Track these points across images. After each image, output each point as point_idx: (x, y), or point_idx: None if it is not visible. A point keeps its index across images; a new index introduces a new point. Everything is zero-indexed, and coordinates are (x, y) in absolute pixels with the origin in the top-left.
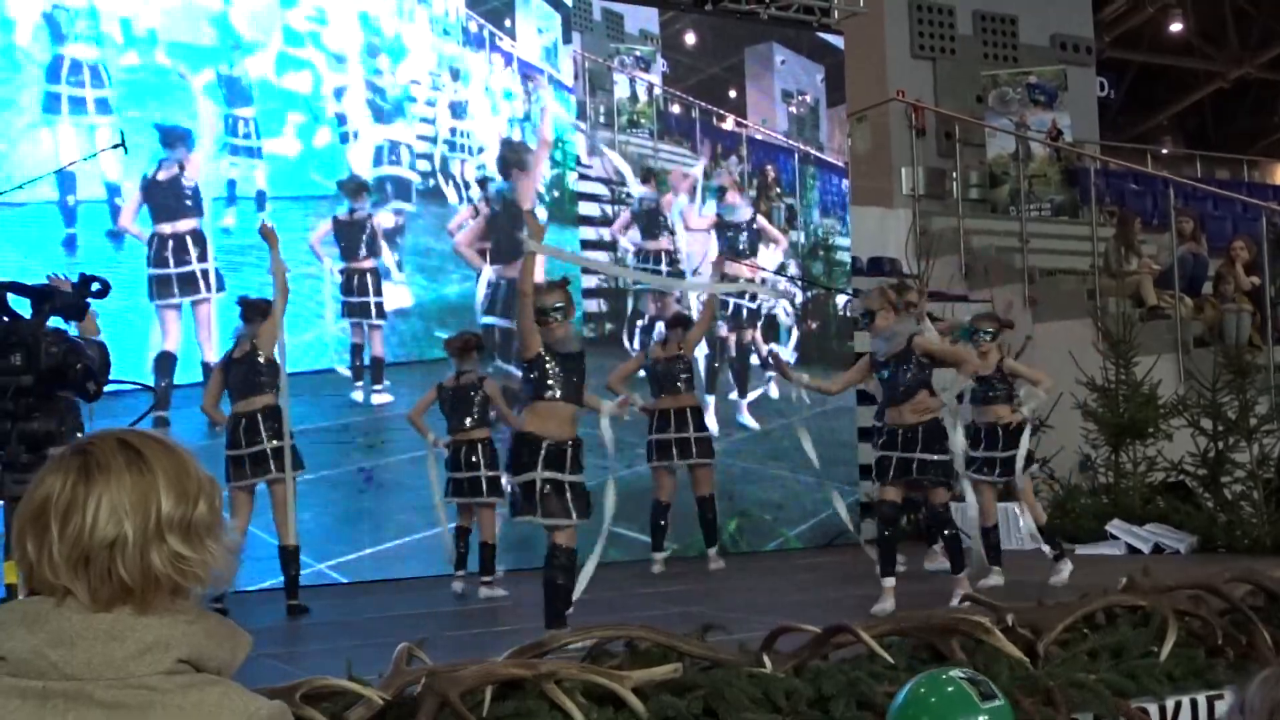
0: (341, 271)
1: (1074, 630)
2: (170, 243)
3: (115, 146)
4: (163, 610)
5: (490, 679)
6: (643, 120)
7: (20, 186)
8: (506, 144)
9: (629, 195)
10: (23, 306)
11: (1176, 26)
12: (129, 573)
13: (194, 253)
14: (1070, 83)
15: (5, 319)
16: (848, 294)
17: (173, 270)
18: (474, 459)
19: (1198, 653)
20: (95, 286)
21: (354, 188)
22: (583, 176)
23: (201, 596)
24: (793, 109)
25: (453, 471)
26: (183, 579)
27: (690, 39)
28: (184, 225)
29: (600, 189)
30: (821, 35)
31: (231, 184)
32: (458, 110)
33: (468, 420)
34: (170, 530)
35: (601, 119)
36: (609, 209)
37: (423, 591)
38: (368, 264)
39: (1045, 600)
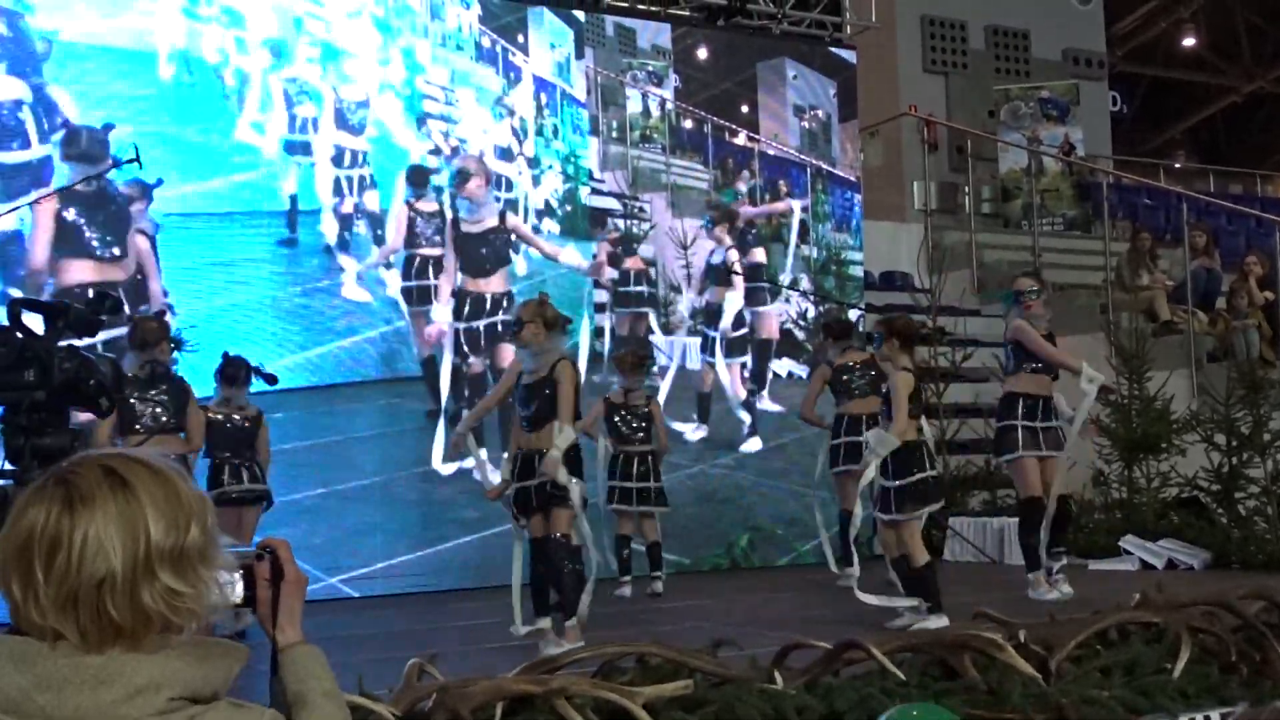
0: (405, 259)
1: (1086, 647)
2: None
3: (129, 161)
4: (155, 647)
5: (501, 694)
6: (655, 135)
7: (36, 201)
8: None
9: (641, 209)
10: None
11: (1189, 41)
12: (119, 612)
13: None
14: (1082, 97)
15: (19, 335)
16: (860, 309)
17: None
18: (643, 470)
19: (1211, 669)
20: (108, 303)
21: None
22: (595, 191)
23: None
24: (805, 124)
25: (621, 481)
26: (175, 616)
27: (702, 54)
28: None
29: (613, 203)
30: (834, 50)
31: None
32: (468, 125)
33: (639, 434)
34: (162, 562)
35: (614, 134)
36: (621, 223)
37: (435, 606)
38: (433, 251)
39: (1058, 616)
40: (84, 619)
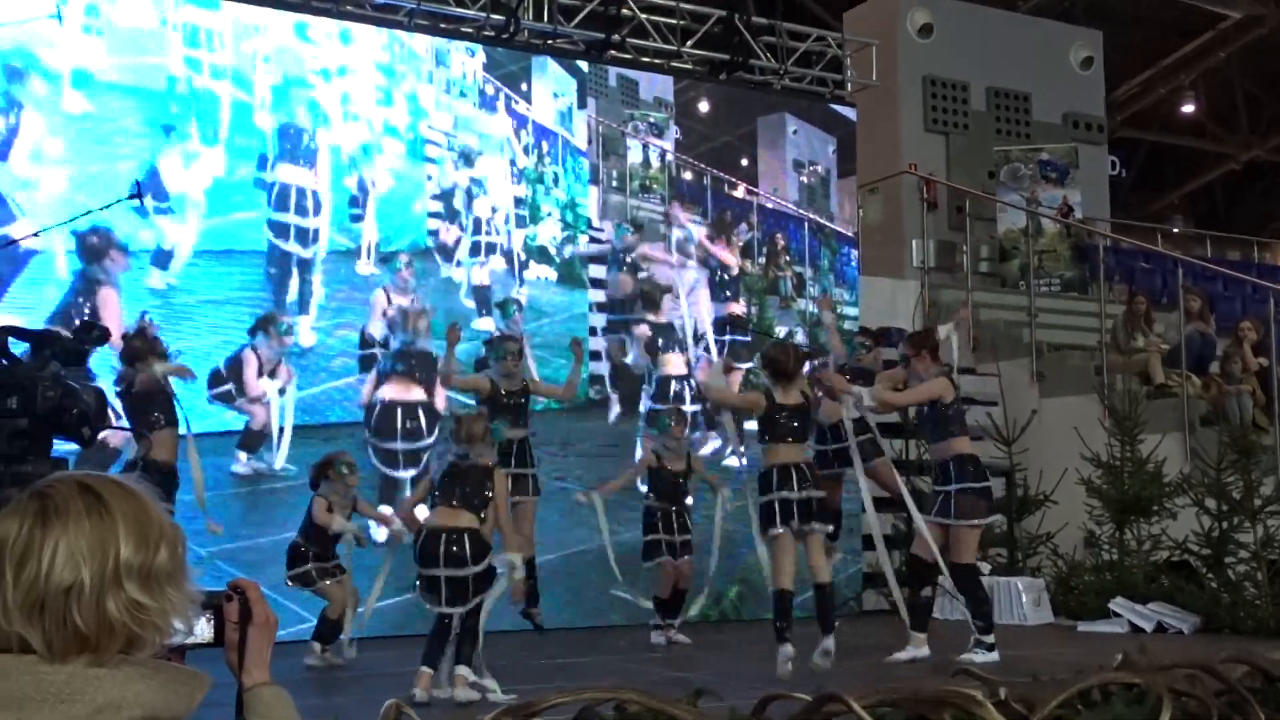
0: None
1: (1068, 706)
2: None
3: (131, 197)
4: (119, 663)
5: None
6: (655, 185)
7: (36, 234)
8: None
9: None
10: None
11: (1188, 108)
12: (85, 621)
13: None
14: (1082, 160)
15: (4, 362)
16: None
17: None
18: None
19: None
20: (96, 333)
21: None
22: (593, 240)
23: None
24: (804, 178)
25: (680, 535)
26: (140, 629)
27: (704, 107)
28: None
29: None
30: (834, 107)
31: None
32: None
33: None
34: (129, 577)
35: (614, 183)
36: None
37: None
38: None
39: (1040, 676)
40: (49, 626)
